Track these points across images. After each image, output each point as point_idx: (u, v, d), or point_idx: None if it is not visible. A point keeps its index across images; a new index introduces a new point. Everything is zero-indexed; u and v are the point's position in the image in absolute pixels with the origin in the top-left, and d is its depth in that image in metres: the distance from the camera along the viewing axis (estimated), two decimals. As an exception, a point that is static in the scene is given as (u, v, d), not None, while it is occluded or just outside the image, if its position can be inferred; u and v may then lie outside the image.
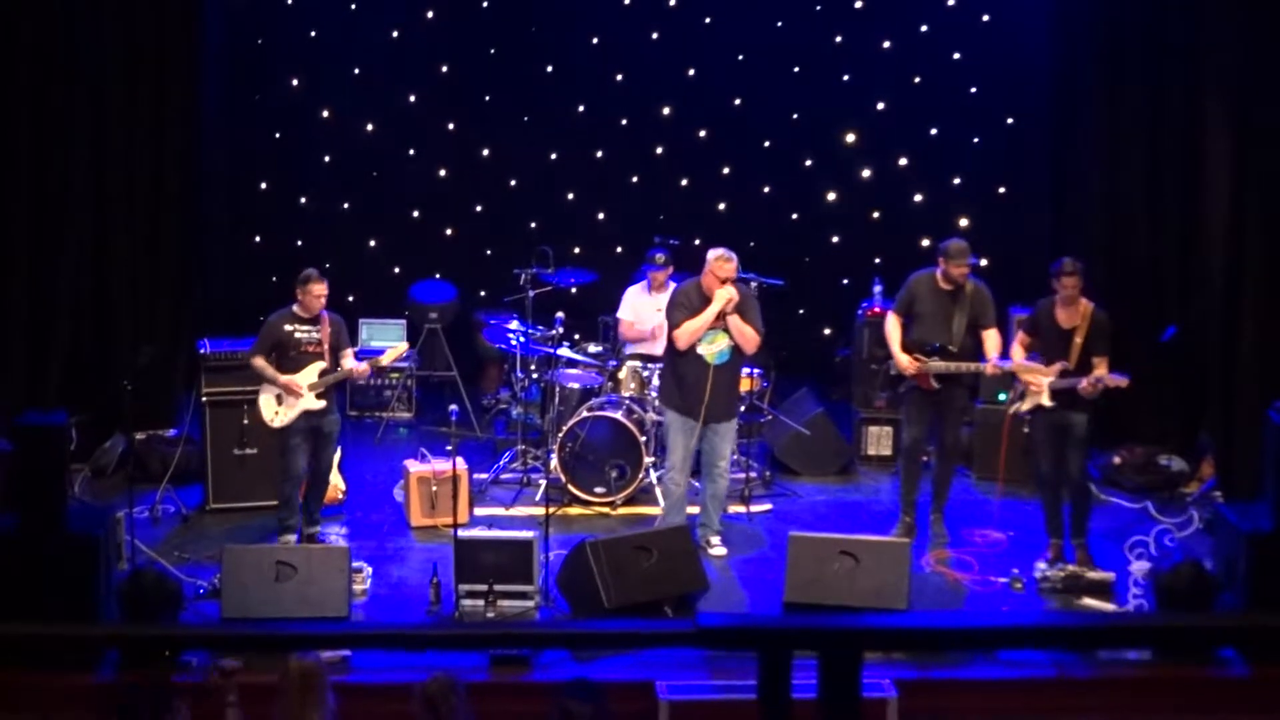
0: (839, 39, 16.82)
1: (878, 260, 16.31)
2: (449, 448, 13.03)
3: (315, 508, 13.04)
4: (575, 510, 13.82)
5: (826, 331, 17.19)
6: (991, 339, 12.81)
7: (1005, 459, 13.25)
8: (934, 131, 16.88)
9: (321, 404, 12.79)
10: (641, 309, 14.50)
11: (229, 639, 5.60)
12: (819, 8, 16.74)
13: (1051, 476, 12.67)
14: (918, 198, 16.97)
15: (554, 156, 17.20)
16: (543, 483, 13.68)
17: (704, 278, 12.73)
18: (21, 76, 14.09)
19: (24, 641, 8.43)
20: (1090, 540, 12.70)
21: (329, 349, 12.84)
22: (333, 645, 10.40)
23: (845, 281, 16.94)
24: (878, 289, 15.26)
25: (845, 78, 16.88)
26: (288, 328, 12.80)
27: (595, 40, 16.94)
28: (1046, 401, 12.48)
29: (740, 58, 16.89)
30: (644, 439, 13.74)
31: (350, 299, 16.94)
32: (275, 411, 12.81)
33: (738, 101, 17.04)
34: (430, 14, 16.87)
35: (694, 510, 13.15)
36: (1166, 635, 5.04)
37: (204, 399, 13.57)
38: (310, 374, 12.77)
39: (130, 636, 5.88)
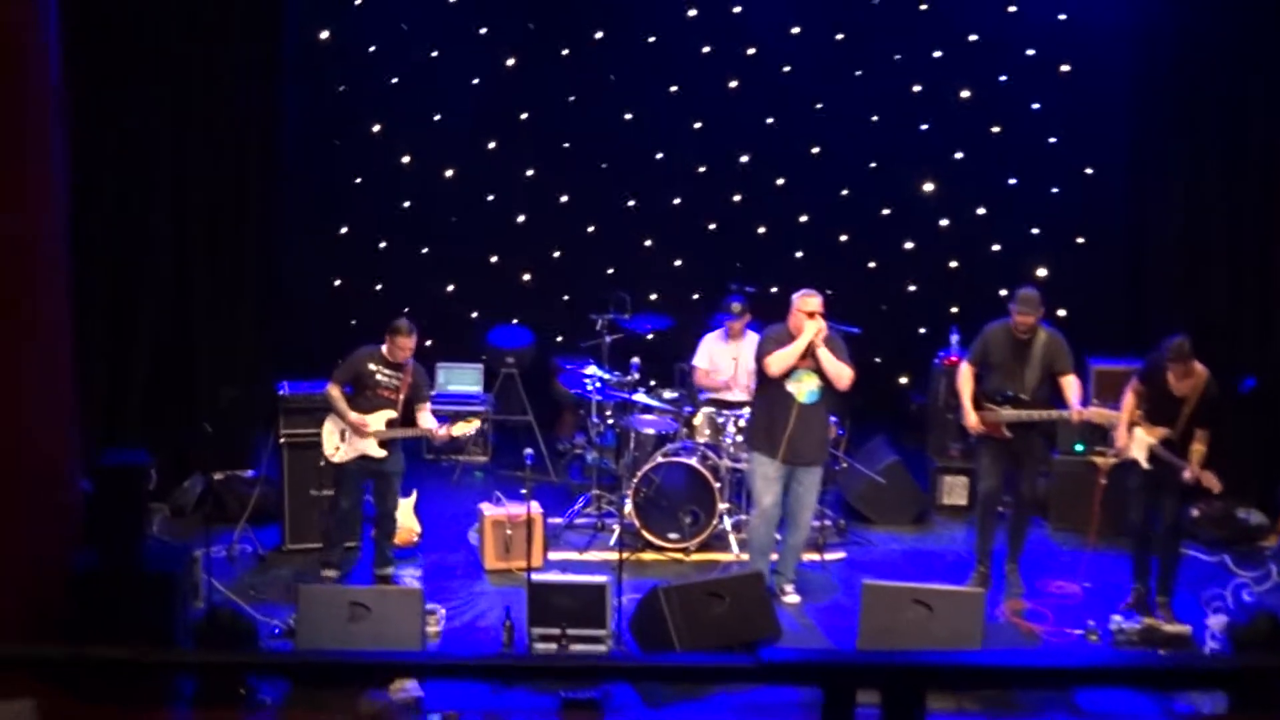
0: (917, 88, 16.83)
1: (955, 309, 16.28)
2: (524, 491, 13.06)
3: (386, 547, 13.10)
4: (649, 556, 13.83)
5: (903, 380, 17.16)
6: (1071, 386, 12.73)
7: (1096, 513, 13.14)
8: (1012, 181, 16.86)
9: (383, 454, 12.86)
10: (718, 356, 14.53)
11: (303, 666, 5.61)
12: (898, 57, 16.76)
13: (1141, 525, 12.58)
14: (995, 247, 16.94)
15: (632, 203, 17.27)
16: (617, 528, 13.71)
17: (791, 318, 12.76)
18: (107, 116, 14.27)
19: (101, 668, 8.51)
20: (1174, 593, 12.59)
21: (405, 399, 12.89)
22: (402, 674, 10.39)
23: (922, 330, 16.91)
24: (954, 338, 15.23)
25: (924, 127, 16.90)
26: (371, 366, 12.90)
27: (674, 88, 17.00)
28: (1144, 464, 12.37)
29: (819, 106, 16.92)
30: (718, 485, 13.74)
31: (428, 343, 17.01)
32: (336, 447, 12.91)
33: (815, 150, 17.07)
34: (510, 61, 16.98)
35: (771, 558, 13.12)
36: (1239, 677, 4.99)
37: (282, 440, 13.65)
38: (379, 420, 12.85)
39: (212, 664, 5.89)
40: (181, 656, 6.69)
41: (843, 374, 12.73)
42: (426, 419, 12.97)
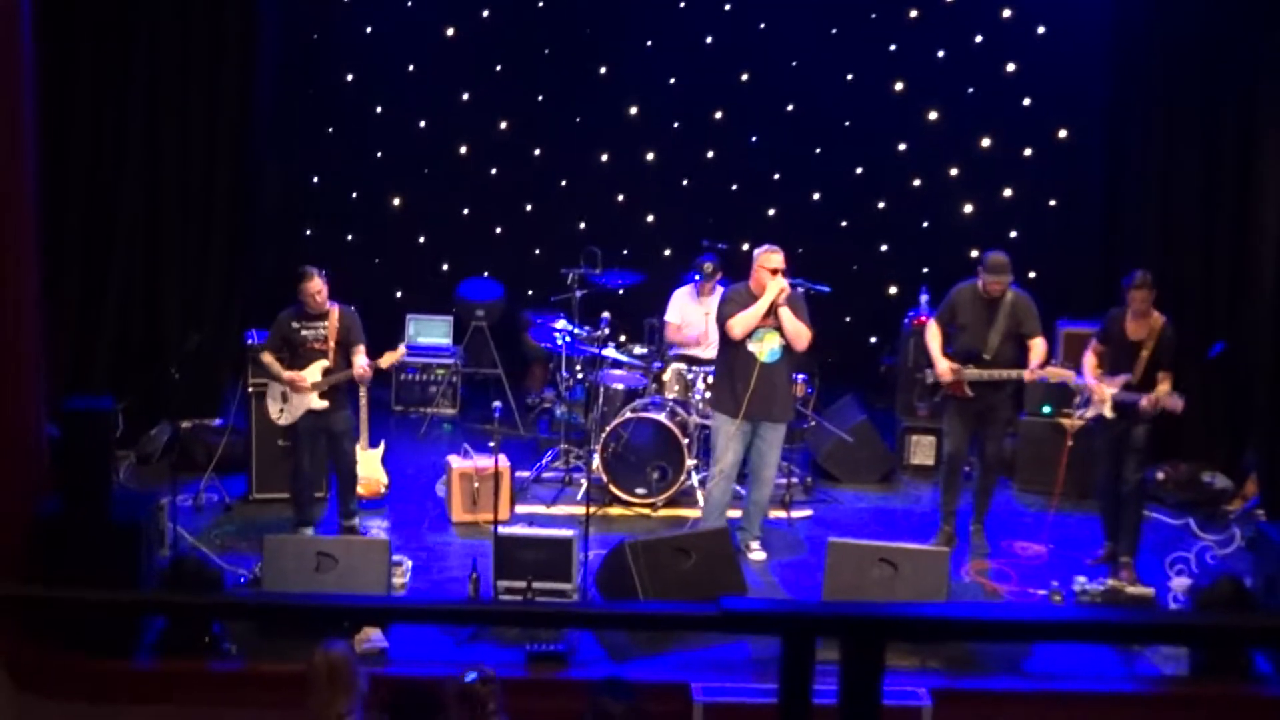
0: (893, 48, 16.80)
1: (925, 270, 16.28)
2: (492, 444, 13.06)
3: (349, 501, 13.04)
4: (616, 510, 13.85)
5: (872, 340, 17.17)
6: (1037, 348, 12.77)
7: (1061, 475, 13.18)
8: (986, 143, 16.86)
9: (324, 404, 12.77)
10: (689, 312, 14.53)
11: (268, 610, 5.61)
12: (874, 15, 16.73)
13: (1109, 485, 12.67)
14: (968, 209, 16.95)
15: (605, 158, 17.23)
16: (584, 482, 13.71)
17: (753, 276, 12.73)
18: (78, 66, 14.19)
19: (71, 609, 8.50)
20: (1137, 553, 12.66)
21: (336, 345, 12.79)
22: (367, 620, 10.37)
23: (893, 290, 16.93)
24: (924, 298, 15.23)
25: (898, 86, 16.87)
26: (294, 325, 12.80)
27: (649, 43, 16.95)
28: (1109, 413, 12.46)
29: (794, 64, 16.87)
30: (686, 441, 13.75)
31: (398, 294, 17.05)
32: (280, 409, 12.88)
33: (790, 107, 17.04)
34: (485, 13, 16.92)
35: (735, 514, 13.15)
36: (1199, 634, 5.01)
37: (250, 389, 13.62)
38: (314, 371, 12.76)
39: (175, 604, 5.90)
40: (147, 597, 6.67)
41: (802, 334, 12.71)
42: (358, 359, 12.80)
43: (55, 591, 5.04)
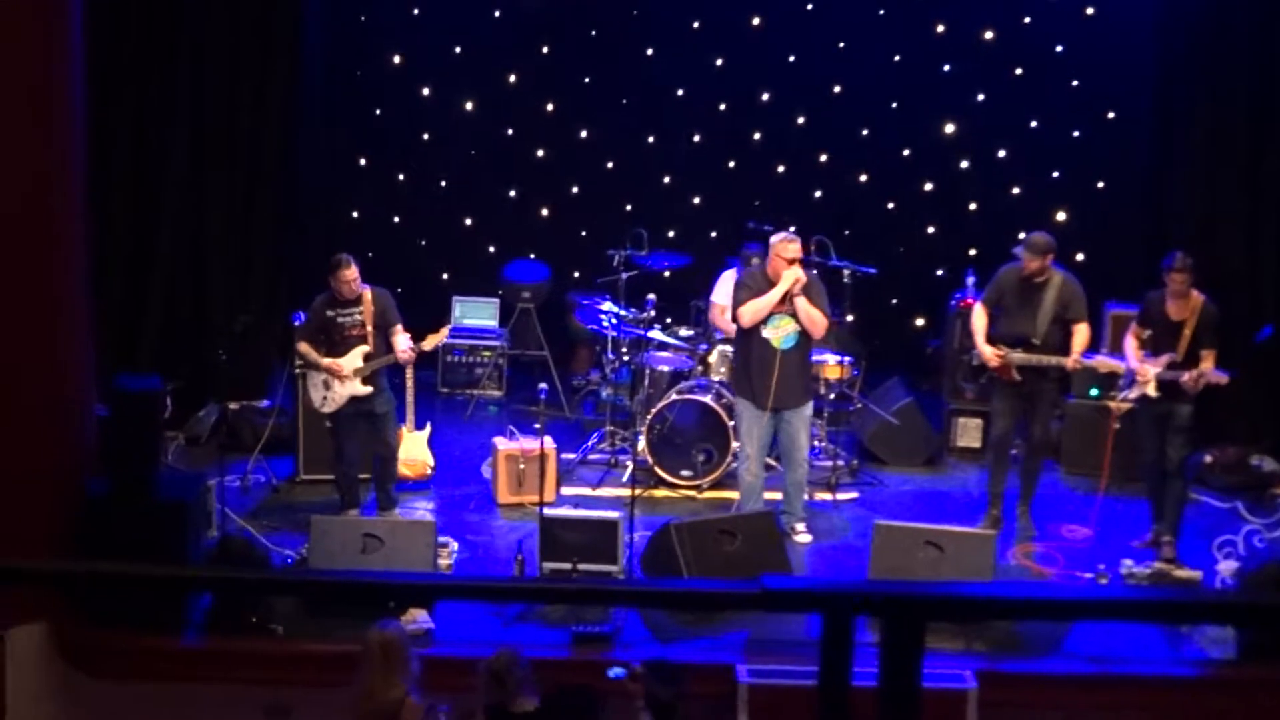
0: (941, 28, 16.73)
1: (973, 252, 16.23)
2: (537, 426, 13.09)
3: (389, 488, 12.99)
4: (661, 492, 13.85)
5: (919, 322, 17.13)
6: (1080, 333, 12.71)
7: (1109, 458, 13.12)
8: (1034, 124, 16.78)
9: (368, 389, 12.72)
10: (734, 294, 14.51)
11: (314, 586, 5.64)
12: (921, -4, 16.69)
13: (1155, 466, 12.62)
14: (1015, 190, 16.88)
15: (651, 139, 17.22)
16: (630, 464, 13.72)
17: (769, 261, 12.69)
18: (125, 46, 14.26)
19: (115, 588, 8.54)
20: (1179, 539, 12.61)
21: (374, 329, 12.73)
22: (412, 597, 10.40)
23: (939, 273, 16.87)
24: (971, 280, 15.17)
25: (946, 68, 16.80)
26: (329, 313, 12.73)
27: (696, 24, 16.92)
28: (1152, 392, 12.42)
29: (841, 45, 16.82)
30: (732, 423, 13.73)
31: (445, 276, 17.08)
32: (324, 397, 12.79)
33: (837, 89, 16.98)
34: (532, -5, 16.93)
35: (776, 496, 13.14)
36: (1245, 612, 4.98)
37: (297, 371, 13.64)
38: (355, 358, 12.69)
39: (224, 579, 5.93)
40: (195, 572, 6.70)
41: (817, 321, 12.66)
42: (399, 340, 12.74)
43: (104, 566, 5.07)
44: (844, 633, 4.43)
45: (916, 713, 4.50)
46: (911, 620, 4.37)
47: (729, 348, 14.22)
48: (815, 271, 13.28)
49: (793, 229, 15.06)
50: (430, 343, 12.99)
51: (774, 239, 12.74)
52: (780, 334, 12.65)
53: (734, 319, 12.83)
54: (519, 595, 6.44)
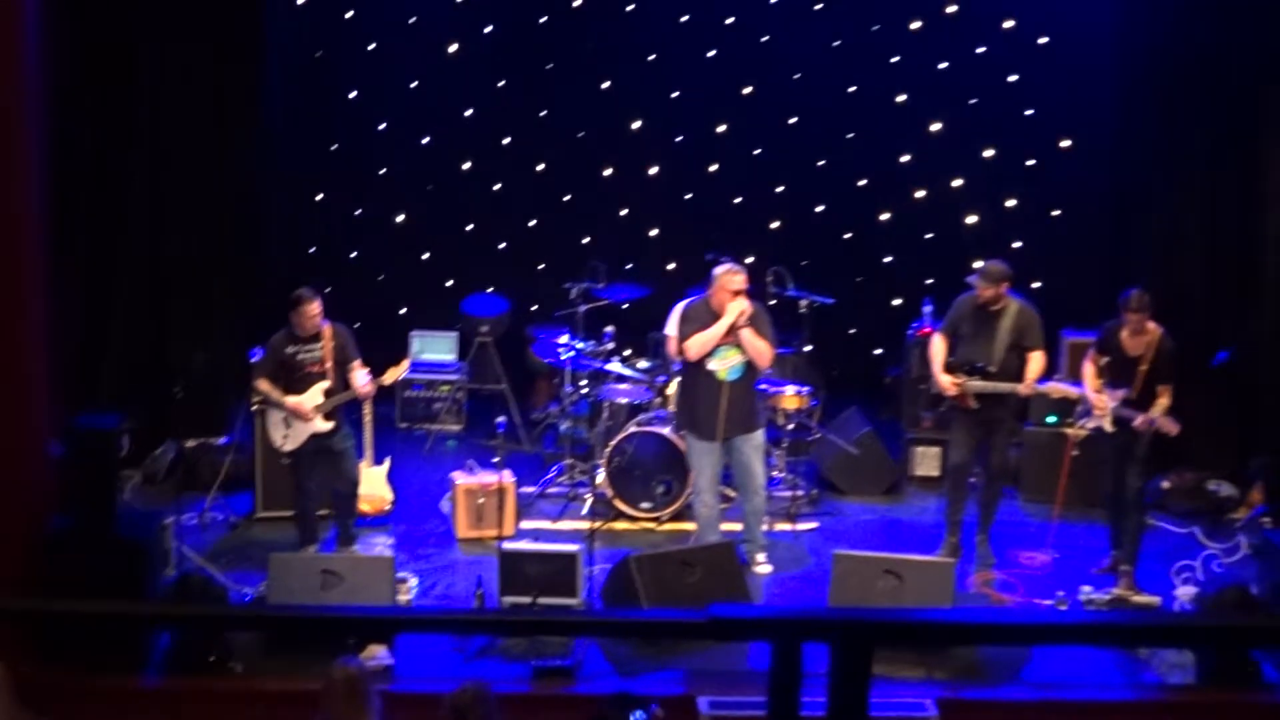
0: (895, 59, 16.81)
1: (929, 281, 16.28)
2: (496, 460, 13.07)
3: (348, 523, 12.95)
4: (621, 525, 13.84)
5: (877, 351, 17.17)
6: (1035, 360, 12.76)
7: (1064, 484, 13.17)
8: (989, 153, 16.86)
9: (328, 426, 12.70)
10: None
11: (274, 621, 5.61)
12: (876, 28, 16.75)
13: (1113, 494, 12.66)
14: (971, 219, 16.95)
15: (608, 172, 17.26)
16: (589, 497, 13.71)
17: (714, 293, 12.69)
18: (83, 81, 14.21)
19: (72, 626, 8.49)
20: (1138, 565, 12.65)
21: (333, 365, 12.69)
22: (372, 629, 10.36)
23: (896, 302, 16.93)
24: (928, 309, 15.24)
25: (901, 98, 16.88)
26: (289, 350, 12.66)
27: (651, 57, 16.97)
28: (1108, 428, 12.44)
29: (796, 76, 16.90)
30: (691, 455, 13.74)
31: (403, 310, 17.07)
32: (284, 435, 12.74)
33: (793, 120, 17.05)
34: (488, 29, 16.95)
35: (736, 527, 13.15)
36: (1199, 634, 5.00)
37: (255, 407, 13.60)
38: (315, 395, 12.64)
39: (181, 616, 5.91)
40: (152, 609, 6.68)
41: (763, 353, 12.67)
42: (358, 377, 12.71)
43: (61, 604, 5.05)
44: (793, 660, 4.43)
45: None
46: (859, 646, 4.38)
47: (686, 379, 14.24)
48: (803, 304, 13.30)
49: (750, 259, 15.15)
50: (390, 377, 12.98)
51: (718, 270, 12.74)
52: (726, 365, 12.66)
53: (680, 352, 12.82)
54: (471, 627, 6.43)
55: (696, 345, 12.59)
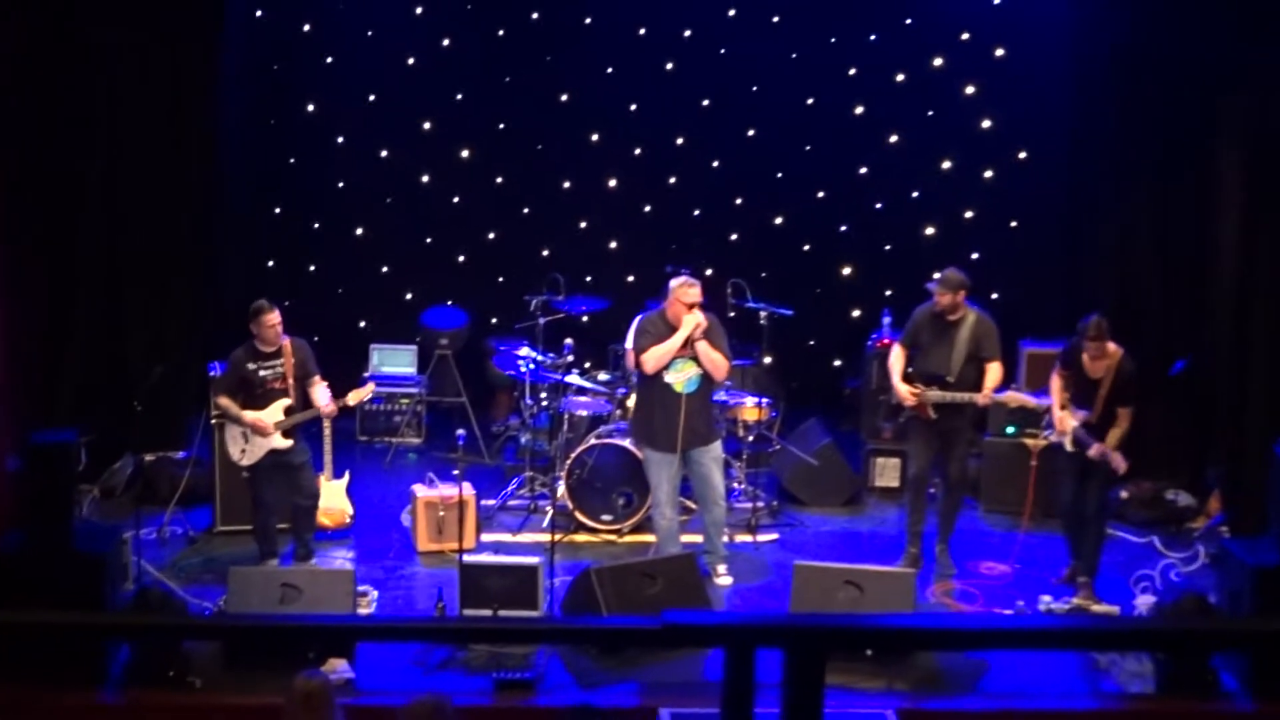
0: (852, 71, 16.86)
1: (889, 292, 16.33)
2: (456, 473, 13.05)
3: (306, 537, 12.93)
4: (582, 537, 13.84)
5: (836, 363, 17.21)
6: (993, 370, 12.80)
7: (1031, 496, 13.21)
8: (946, 165, 16.92)
9: (288, 443, 12.71)
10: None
11: (235, 631, 5.59)
12: (833, 40, 16.79)
13: (1071, 507, 12.67)
14: (929, 231, 17.01)
15: (567, 185, 17.26)
16: (550, 509, 13.71)
17: (669, 305, 12.71)
18: (38, 94, 14.16)
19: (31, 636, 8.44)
20: (1097, 575, 12.69)
21: (294, 380, 12.72)
22: (334, 638, 10.36)
23: (856, 313, 16.97)
24: (887, 321, 15.28)
25: (859, 110, 16.93)
26: (250, 366, 12.66)
27: (610, 69, 16.99)
28: (1069, 447, 12.46)
29: (754, 89, 16.94)
30: (652, 467, 13.74)
31: (362, 324, 17.05)
32: (242, 450, 12.73)
33: (751, 132, 17.09)
34: (446, 42, 16.94)
35: (696, 539, 13.16)
36: (1163, 639, 5.01)
37: (214, 421, 13.56)
38: (276, 411, 12.65)
39: (138, 626, 5.88)
40: (112, 619, 6.63)
41: (719, 365, 12.69)
42: (319, 394, 12.73)
43: (17, 616, 5.01)
44: (746, 667, 4.43)
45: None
46: (812, 652, 4.37)
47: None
48: (763, 315, 13.31)
49: (709, 271, 15.19)
50: (355, 398, 12.99)
51: (673, 283, 12.75)
52: (683, 378, 12.66)
53: (637, 365, 12.84)
54: (428, 635, 6.41)
55: (653, 359, 12.60)
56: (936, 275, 13.15)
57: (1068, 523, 12.82)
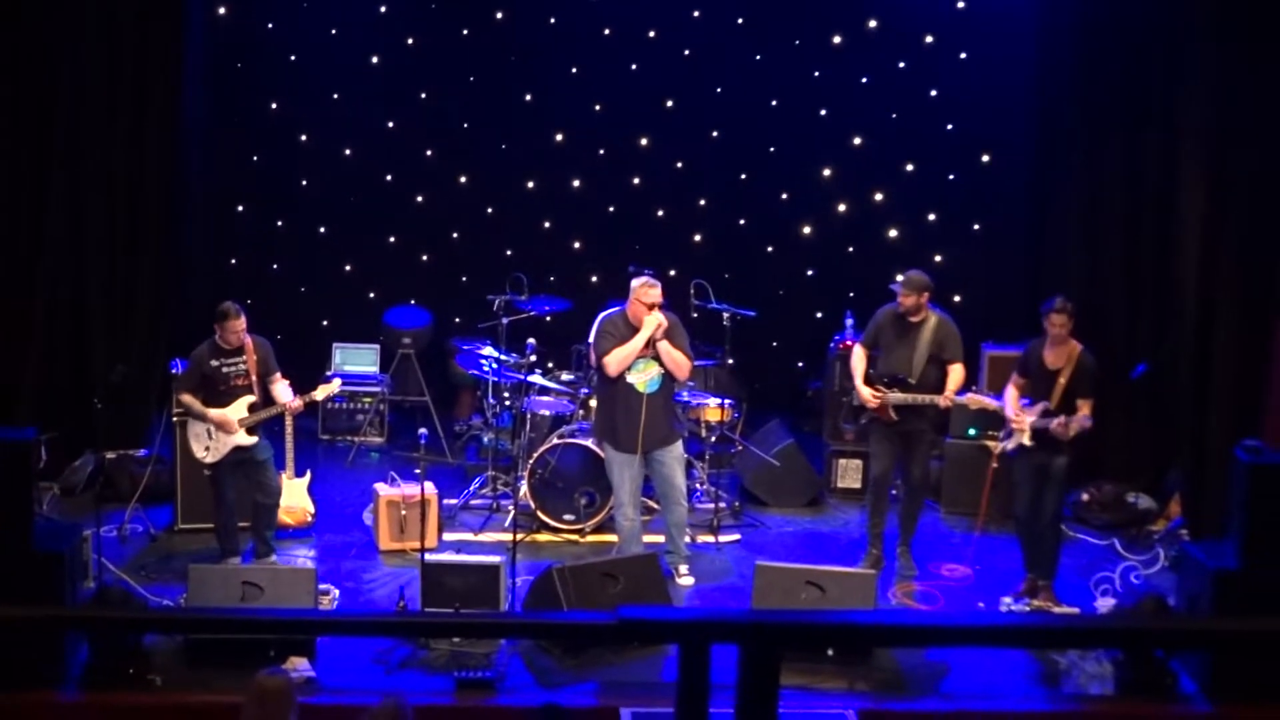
0: (817, 73, 16.88)
1: (851, 294, 16.32)
2: (418, 472, 13.04)
3: (267, 534, 12.88)
4: (544, 537, 13.83)
5: (799, 364, 17.24)
6: (955, 373, 12.83)
7: (986, 497, 13.25)
8: (910, 167, 16.96)
9: (253, 440, 12.70)
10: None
11: (195, 622, 5.56)
12: (798, 42, 16.81)
13: (1028, 514, 12.67)
14: (892, 233, 17.04)
15: (531, 185, 17.25)
16: (512, 509, 13.69)
17: (630, 306, 12.73)
18: (-1, 94, 14.12)
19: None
20: (1055, 577, 12.72)
21: (257, 377, 12.73)
22: (294, 630, 10.29)
23: (819, 315, 16.98)
24: (849, 322, 15.29)
25: (823, 112, 16.95)
26: (213, 363, 12.66)
27: (574, 70, 16.98)
28: (1027, 441, 12.48)
29: (718, 90, 16.96)
30: (614, 467, 13.74)
31: (325, 323, 17.01)
32: (206, 447, 12.73)
33: (715, 134, 17.11)
34: (410, 40, 16.92)
35: (658, 539, 13.16)
36: (1120, 637, 5.03)
37: (175, 419, 13.50)
38: (240, 408, 12.66)
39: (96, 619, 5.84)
40: (69, 613, 6.58)
41: (681, 364, 12.73)
42: (282, 391, 12.75)
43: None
44: (700, 663, 4.43)
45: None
46: (767, 647, 4.37)
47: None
48: (726, 317, 13.30)
49: (672, 271, 15.19)
50: (323, 393, 12.99)
51: (635, 283, 12.78)
52: (645, 378, 12.68)
53: (598, 367, 12.84)
54: (386, 630, 6.40)
55: (615, 361, 12.61)
56: (900, 276, 13.17)
57: (1023, 533, 12.81)
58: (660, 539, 13.14)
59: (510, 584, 12.13)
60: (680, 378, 12.89)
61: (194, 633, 10.73)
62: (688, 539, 13.27)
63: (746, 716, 4.39)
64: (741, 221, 17.31)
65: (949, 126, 16.76)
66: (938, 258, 16.52)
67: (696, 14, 16.80)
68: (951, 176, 16.88)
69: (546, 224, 17.28)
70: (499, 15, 16.90)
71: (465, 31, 16.88)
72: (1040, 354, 12.52)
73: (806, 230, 17.26)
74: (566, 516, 13.83)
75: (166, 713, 11.02)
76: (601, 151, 17.19)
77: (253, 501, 12.84)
